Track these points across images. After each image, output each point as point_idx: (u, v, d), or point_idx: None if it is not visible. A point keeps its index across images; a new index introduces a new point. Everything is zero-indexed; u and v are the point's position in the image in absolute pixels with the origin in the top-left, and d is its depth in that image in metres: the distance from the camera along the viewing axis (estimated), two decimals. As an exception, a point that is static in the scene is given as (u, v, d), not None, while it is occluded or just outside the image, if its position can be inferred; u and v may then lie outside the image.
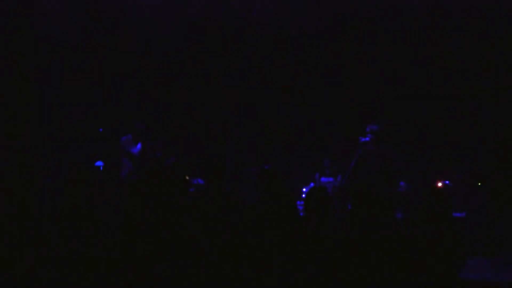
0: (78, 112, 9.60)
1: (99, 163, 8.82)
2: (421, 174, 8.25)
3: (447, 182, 8.16)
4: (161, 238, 3.42)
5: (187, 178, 8.01)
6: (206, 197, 4.63)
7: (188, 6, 9.32)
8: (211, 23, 9.60)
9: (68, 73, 9.47)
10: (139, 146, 8.18)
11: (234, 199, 4.76)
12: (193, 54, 9.81)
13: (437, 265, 4.01)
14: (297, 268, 3.82)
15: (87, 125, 9.59)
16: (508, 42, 8.42)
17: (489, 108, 8.73)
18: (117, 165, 8.43)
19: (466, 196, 7.90)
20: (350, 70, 9.37)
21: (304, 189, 8.28)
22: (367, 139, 7.14)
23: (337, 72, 9.42)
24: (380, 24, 9.05)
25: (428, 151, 8.89)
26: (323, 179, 8.50)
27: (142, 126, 8.34)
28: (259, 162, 8.93)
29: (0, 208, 5.66)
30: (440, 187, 7.69)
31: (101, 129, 9.27)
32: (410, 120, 8.97)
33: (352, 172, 7.17)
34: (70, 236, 3.54)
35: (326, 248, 3.90)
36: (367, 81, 9.21)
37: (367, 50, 9.24)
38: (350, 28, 9.23)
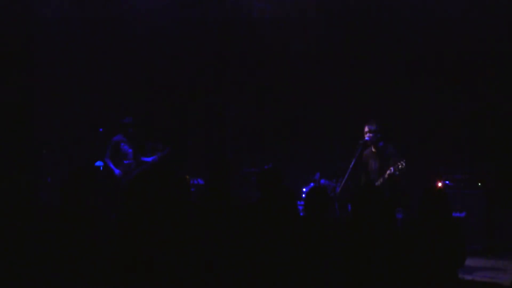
0: (78, 112, 9.61)
1: (99, 163, 8.82)
2: (421, 174, 8.25)
3: (447, 182, 8.16)
4: (161, 238, 3.42)
5: (187, 178, 8.01)
6: (206, 197, 4.63)
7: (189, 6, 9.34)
8: (212, 23, 9.61)
9: (69, 73, 9.48)
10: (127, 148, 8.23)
11: (234, 199, 4.76)
12: (195, 54, 9.82)
13: (437, 265, 4.01)
14: (297, 268, 3.82)
15: (87, 125, 9.60)
16: (508, 41, 8.41)
17: (489, 108, 8.72)
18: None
19: (466, 196, 7.90)
20: (350, 70, 9.37)
21: (304, 189, 8.28)
22: (367, 139, 7.14)
23: (337, 72, 9.42)
24: (380, 24, 9.05)
25: (428, 151, 8.88)
26: (322, 181, 8.49)
27: (129, 121, 8.30)
28: (259, 162, 8.93)
29: (0, 207, 5.66)
30: (440, 187, 7.68)
31: (101, 129, 9.27)
32: (410, 120, 8.97)
33: (352, 172, 7.16)
34: (69, 236, 3.54)
35: (326, 248, 3.90)
36: (367, 81, 9.21)
37: (367, 50, 9.24)
38: (351, 28, 9.24)
